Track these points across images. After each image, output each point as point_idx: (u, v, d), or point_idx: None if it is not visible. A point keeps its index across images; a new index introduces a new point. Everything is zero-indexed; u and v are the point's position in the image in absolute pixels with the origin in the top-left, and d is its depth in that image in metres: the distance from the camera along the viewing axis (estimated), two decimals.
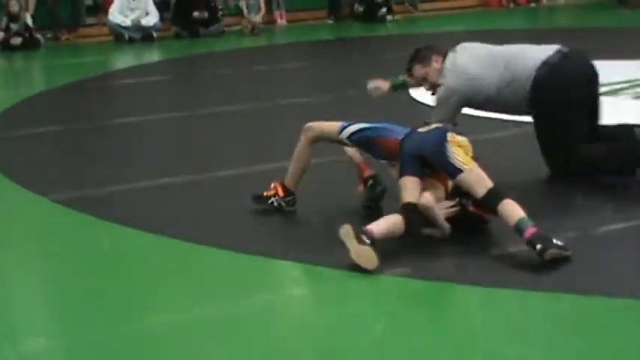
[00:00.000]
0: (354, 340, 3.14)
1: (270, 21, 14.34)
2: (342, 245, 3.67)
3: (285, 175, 4.49)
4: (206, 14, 13.21)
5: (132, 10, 12.88)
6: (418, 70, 4.83)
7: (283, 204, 4.44)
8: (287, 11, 14.63)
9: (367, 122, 4.30)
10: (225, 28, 13.46)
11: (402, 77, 5.12)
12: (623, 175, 4.75)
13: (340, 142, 4.40)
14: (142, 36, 12.77)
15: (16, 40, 12.00)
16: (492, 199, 3.82)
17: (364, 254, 3.63)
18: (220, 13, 13.54)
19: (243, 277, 3.81)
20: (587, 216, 4.32)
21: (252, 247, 3.93)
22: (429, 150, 3.96)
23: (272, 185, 4.48)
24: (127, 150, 6.20)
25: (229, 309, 3.46)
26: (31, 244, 4.41)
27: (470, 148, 4.05)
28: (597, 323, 3.25)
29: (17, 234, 4.56)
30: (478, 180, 3.86)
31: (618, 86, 7.40)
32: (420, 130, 4.08)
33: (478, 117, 5.37)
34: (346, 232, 3.69)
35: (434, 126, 4.13)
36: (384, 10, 14.32)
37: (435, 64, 4.80)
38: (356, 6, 14.70)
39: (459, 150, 3.94)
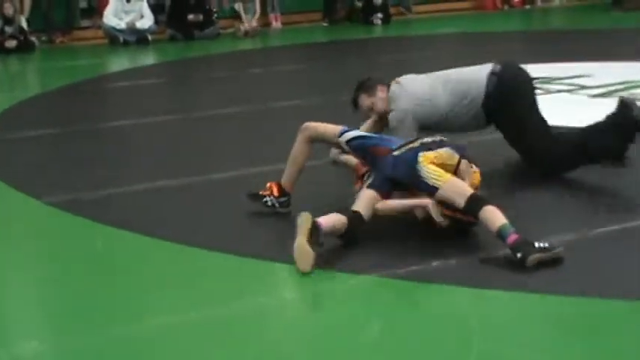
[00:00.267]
0: (349, 342, 3.14)
1: (265, 23, 14.35)
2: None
3: (282, 176, 4.49)
4: (201, 17, 13.22)
5: (127, 12, 12.89)
6: (364, 100, 4.90)
7: (277, 204, 4.45)
8: (282, 14, 14.65)
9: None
10: (221, 31, 13.48)
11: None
12: (611, 159, 4.76)
13: (336, 145, 4.43)
14: (137, 39, 12.77)
15: (11, 43, 12.00)
16: (473, 206, 3.82)
17: (304, 256, 3.64)
18: (215, 15, 13.55)
19: (239, 279, 3.81)
20: (583, 217, 4.32)
21: (248, 249, 3.93)
22: (401, 174, 4.02)
23: (267, 185, 4.49)
24: (122, 153, 6.20)
25: (224, 311, 3.46)
26: (25, 246, 4.40)
27: (449, 156, 4.04)
28: (594, 325, 3.25)
29: (12, 236, 4.55)
30: (455, 192, 3.87)
31: (613, 88, 7.41)
32: (395, 153, 4.09)
33: None
34: (303, 221, 3.68)
35: (409, 146, 4.11)
36: (379, 15, 14.33)
37: (381, 93, 4.90)
38: (355, 1, 14.72)
39: (431, 167, 3.95)
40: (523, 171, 5.01)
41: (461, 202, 3.83)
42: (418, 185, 3.97)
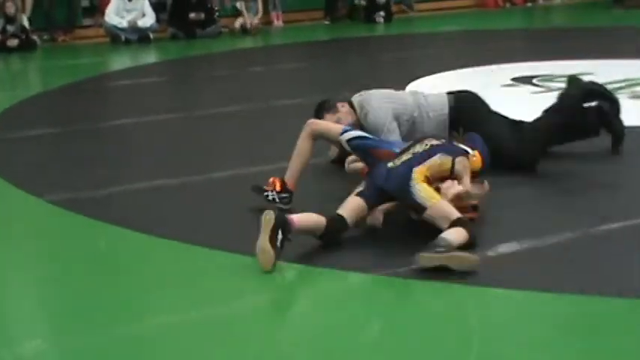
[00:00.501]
0: (350, 341, 3.14)
1: (266, 22, 14.35)
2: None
3: (284, 173, 4.51)
4: (202, 15, 13.21)
5: (128, 11, 12.88)
6: (330, 119, 4.98)
7: (278, 199, 4.46)
8: (283, 12, 14.64)
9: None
10: (222, 29, 13.47)
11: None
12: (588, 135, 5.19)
13: (337, 144, 4.48)
14: (139, 37, 12.76)
15: (13, 42, 11.99)
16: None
17: (265, 255, 3.66)
18: (217, 14, 13.54)
19: (240, 278, 3.80)
20: (582, 215, 4.32)
21: (249, 247, 3.92)
22: (392, 187, 4.03)
23: (270, 180, 4.51)
24: (124, 151, 6.20)
25: (225, 310, 3.46)
26: (26, 245, 4.40)
27: (441, 163, 4.09)
28: (593, 323, 3.25)
29: (13, 235, 4.55)
30: (441, 215, 3.89)
31: (615, 85, 7.40)
32: (389, 164, 4.10)
33: None
34: (267, 220, 3.68)
35: (404, 158, 4.12)
36: (381, 13, 14.31)
37: (342, 108, 5.08)
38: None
39: (424, 185, 3.98)
40: (522, 170, 5.00)
41: (445, 225, 3.85)
42: (406, 200, 4.00)
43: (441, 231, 3.83)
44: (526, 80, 7.91)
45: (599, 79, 7.56)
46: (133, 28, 12.80)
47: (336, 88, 8.25)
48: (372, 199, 4.05)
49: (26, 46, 12.07)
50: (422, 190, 3.96)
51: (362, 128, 4.85)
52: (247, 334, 3.24)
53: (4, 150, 6.39)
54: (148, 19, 12.96)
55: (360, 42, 12.78)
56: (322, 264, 3.81)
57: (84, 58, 12.06)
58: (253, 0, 13.81)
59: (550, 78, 7.93)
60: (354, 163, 4.83)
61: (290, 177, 4.51)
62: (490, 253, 3.86)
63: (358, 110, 5.10)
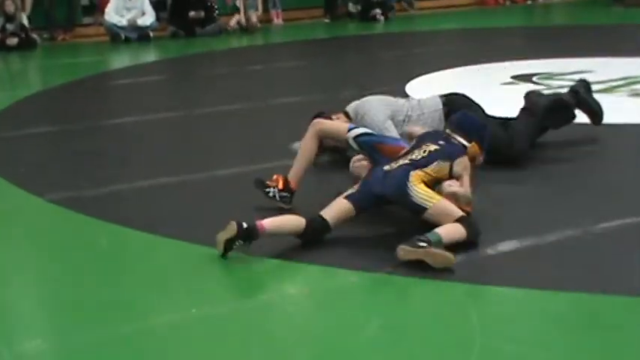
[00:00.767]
0: (351, 338, 3.15)
1: (266, 20, 14.35)
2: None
3: (285, 172, 4.53)
4: (202, 14, 13.21)
5: (128, 9, 12.88)
6: None
7: (278, 197, 4.47)
8: (283, 10, 14.64)
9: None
10: (225, 27, 13.46)
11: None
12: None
13: (344, 142, 4.48)
14: (139, 36, 12.77)
15: (12, 41, 12.00)
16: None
17: (218, 244, 3.84)
18: (216, 12, 13.53)
19: (241, 276, 3.81)
20: (584, 213, 4.32)
21: (248, 247, 3.92)
22: (390, 192, 4.03)
23: (274, 177, 4.53)
24: (124, 150, 6.20)
25: (227, 309, 3.46)
26: (27, 244, 4.40)
27: (439, 169, 4.10)
28: (595, 321, 3.25)
29: (13, 234, 4.55)
30: (443, 214, 3.89)
31: (614, 83, 7.41)
32: (386, 167, 4.11)
33: None
34: (229, 230, 3.80)
35: (401, 162, 4.12)
36: (377, 10, 14.32)
37: (337, 119, 5.14)
38: (350, 5, 14.74)
39: (421, 187, 3.98)
40: (522, 169, 5.00)
41: (449, 223, 3.86)
42: (405, 203, 4.00)
43: None
44: (526, 78, 7.91)
45: (599, 77, 7.60)
46: (133, 26, 12.80)
47: (336, 86, 8.28)
48: (363, 203, 4.03)
49: (26, 44, 12.08)
50: (420, 192, 3.96)
51: None
52: (249, 331, 3.24)
53: (4, 148, 6.39)
54: (148, 18, 12.96)
55: (360, 40, 12.78)
56: (322, 262, 3.81)
57: (84, 57, 12.06)
58: None
59: (550, 76, 7.94)
60: (359, 161, 4.81)
61: (294, 176, 4.52)
62: (490, 251, 3.86)
63: (353, 116, 5.16)
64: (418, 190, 3.97)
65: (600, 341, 3.07)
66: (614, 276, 3.60)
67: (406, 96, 6.86)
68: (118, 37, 12.75)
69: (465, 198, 4.04)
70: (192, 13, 13.15)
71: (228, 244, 3.81)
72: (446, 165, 4.14)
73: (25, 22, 12.35)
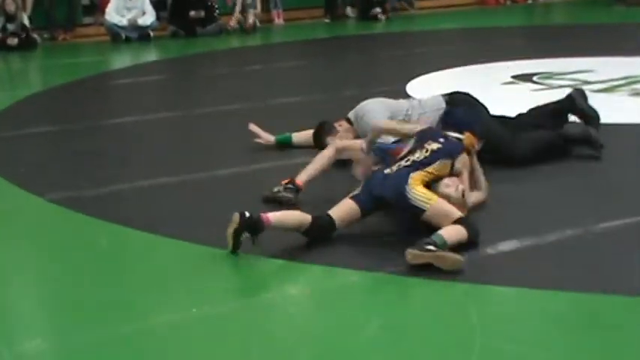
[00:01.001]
0: (351, 338, 3.15)
1: (267, 20, 14.35)
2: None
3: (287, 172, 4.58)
4: (202, 13, 13.20)
5: (128, 9, 12.88)
6: (331, 141, 5.10)
7: (282, 189, 4.52)
8: (284, 10, 14.64)
9: None
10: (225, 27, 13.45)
11: (287, 134, 5.67)
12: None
13: (359, 153, 4.60)
14: (139, 35, 12.76)
15: (13, 41, 11.99)
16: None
17: (228, 240, 3.85)
18: (217, 12, 13.52)
19: (242, 276, 3.81)
20: (584, 213, 4.32)
21: (249, 246, 3.92)
22: (389, 195, 4.05)
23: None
24: (124, 150, 6.20)
25: (227, 309, 3.46)
26: (27, 244, 4.40)
27: (440, 168, 4.13)
28: (595, 321, 3.25)
29: (14, 234, 4.55)
30: (441, 215, 3.92)
31: (615, 83, 7.41)
32: (386, 170, 4.13)
33: None
34: (232, 222, 3.82)
35: (403, 164, 4.15)
36: (377, 9, 14.32)
37: (340, 127, 5.25)
38: (348, 10, 14.74)
39: (420, 189, 4.00)
40: (523, 169, 5.00)
41: (446, 224, 3.87)
42: (404, 205, 4.01)
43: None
44: (526, 78, 7.91)
45: (600, 77, 7.60)
46: (134, 26, 12.79)
47: (336, 86, 8.28)
48: (367, 205, 4.06)
49: (26, 44, 12.06)
50: (418, 193, 3.98)
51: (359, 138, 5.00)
52: (249, 331, 3.24)
53: (4, 148, 6.39)
54: (149, 17, 12.95)
55: (360, 40, 12.77)
56: (323, 262, 3.81)
57: (84, 57, 12.06)
58: None
59: (550, 76, 7.93)
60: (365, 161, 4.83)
61: (303, 174, 4.57)
62: (490, 250, 3.86)
63: (354, 119, 5.21)
64: (416, 191, 3.98)
65: (600, 341, 3.06)
66: (614, 276, 3.59)
67: (407, 96, 6.89)
68: (119, 37, 12.74)
69: (458, 201, 4.05)
70: (192, 13, 13.14)
71: (236, 237, 3.82)
72: (448, 163, 4.19)
73: (26, 22, 12.35)
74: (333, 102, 7.23)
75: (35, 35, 12.41)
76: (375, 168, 4.37)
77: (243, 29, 13.38)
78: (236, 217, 3.82)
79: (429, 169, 4.11)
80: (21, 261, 4.16)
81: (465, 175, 4.21)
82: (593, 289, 3.45)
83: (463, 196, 4.10)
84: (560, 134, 5.24)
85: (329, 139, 5.16)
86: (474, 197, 4.31)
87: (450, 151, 4.21)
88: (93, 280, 3.83)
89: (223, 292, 3.66)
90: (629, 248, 3.89)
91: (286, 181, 4.55)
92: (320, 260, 3.84)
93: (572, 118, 5.57)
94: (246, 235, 3.82)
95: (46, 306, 3.65)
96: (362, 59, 10.55)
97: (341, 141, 4.81)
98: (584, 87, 7.30)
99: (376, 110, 5.10)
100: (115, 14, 12.81)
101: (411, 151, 4.23)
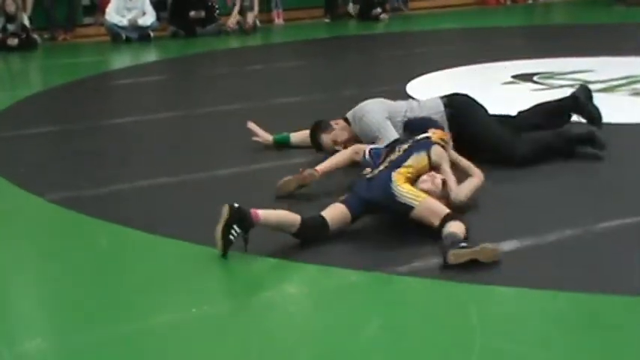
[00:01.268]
0: (350, 338, 3.14)
1: (267, 20, 14.35)
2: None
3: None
4: (203, 14, 13.21)
5: (129, 9, 12.88)
6: (326, 138, 5.27)
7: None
8: (284, 10, 14.64)
9: None
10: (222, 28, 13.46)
11: (285, 134, 5.69)
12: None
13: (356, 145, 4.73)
14: (139, 36, 12.77)
15: (13, 41, 12.00)
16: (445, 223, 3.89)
17: (218, 243, 3.82)
18: (217, 12, 13.53)
19: (241, 276, 3.81)
20: (584, 212, 4.32)
21: (250, 246, 3.92)
22: (375, 196, 4.06)
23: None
24: (124, 150, 6.20)
25: (227, 309, 3.46)
26: (27, 244, 4.40)
27: (418, 161, 4.21)
28: (595, 321, 3.25)
29: (14, 234, 4.55)
30: (430, 212, 3.93)
31: (615, 83, 7.41)
32: (368, 175, 4.19)
33: None
34: (224, 212, 3.80)
35: (382, 167, 4.20)
36: (378, 9, 14.33)
37: (336, 125, 5.29)
38: (350, 6, 14.76)
39: (406, 186, 4.03)
40: (523, 169, 5.00)
41: (436, 222, 3.89)
42: (393, 205, 4.02)
43: (432, 228, 3.85)
44: (527, 78, 7.91)
45: (600, 77, 7.60)
46: (134, 26, 12.80)
47: (336, 85, 8.28)
48: (357, 209, 4.07)
49: (27, 44, 12.07)
50: (404, 191, 4.01)
51: (358, 140, 5.05)
52: (249, 331, 3.24)
53: (5, 148, 6.39)
54: (149, 18, 12.96)
55: (360, 40, 12.78)
56: (323, 262, 3.81)
57: (84, 57, 12.06)
58: None
59: (551, 75, 7.93)
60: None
61: (322, 164, 4.66)
62: None
63: (352, 119, 5.21)
64: (402, 189, 4.01)
65: (600, 341, 3.06)
66: (614, 276, 3.59)
67: (407, 96, 6.89)
68: (119, 37, 12.75)
69: (439, 193, 4.10)
70: (192, 13, 13.15)
71: (226, 233, 3.79)
72: (424, 155, 4.26)
73: (26, 22, 12.35)
74: (332, 102, 7.23)
75: (35, 35, 12.42)
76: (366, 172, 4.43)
77: (243, 30, 13.38)
78: (226, 208, 3.80)
79: (407, 163, 4.18)
80: (21, 261, 4.16)
81: (445, 167, 4.28)
82: (593, 289, 3.45)
83: (444, 185, 4.13)
84: (562, 134, 5.24)
85: (324, 137, 5.24)
86: (469, 184, 4.32)
87: (422, 146, 4.32)
88: (93, 280, 3.83)
89: (223, 292, 3.66)
90: (629, 248, 3.88)
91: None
92: (319, 260, 3.84)
93: (575, 117, 5.58)
94: (235, 230, 3.79)
95: (46, 306, 3.65)
96: (362, 59, 10.55)
97: (358, 146, 4.81)
98: None
99: (375, 111, 5.11)
100: (115, 14, 12.82)
101: (387, 155, 4.33)
